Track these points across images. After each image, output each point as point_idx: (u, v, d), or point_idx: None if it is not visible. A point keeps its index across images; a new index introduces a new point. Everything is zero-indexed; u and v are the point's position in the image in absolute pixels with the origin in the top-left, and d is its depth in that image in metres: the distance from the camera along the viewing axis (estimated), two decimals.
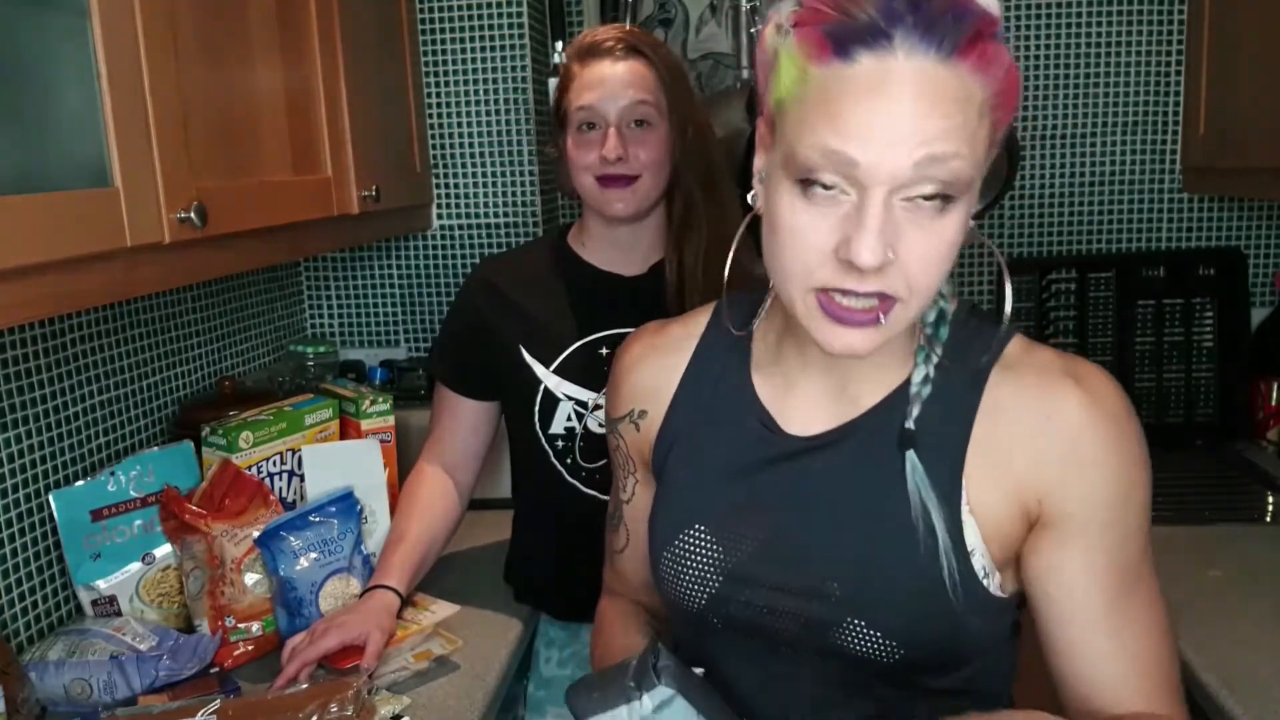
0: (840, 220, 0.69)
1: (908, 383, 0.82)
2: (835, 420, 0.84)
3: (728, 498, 0.87)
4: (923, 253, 0.70)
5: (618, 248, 1.41)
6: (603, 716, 0.78)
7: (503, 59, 1.97)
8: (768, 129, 0.76)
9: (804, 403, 0.85)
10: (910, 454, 0.78)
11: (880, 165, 0.67)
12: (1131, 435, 0.79)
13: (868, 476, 0.81)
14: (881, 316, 0.71)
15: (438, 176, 2.04)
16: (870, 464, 0.81)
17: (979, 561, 0.79)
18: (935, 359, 0.80)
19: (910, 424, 0.79)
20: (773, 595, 0.83)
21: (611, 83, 1.32)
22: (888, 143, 0.67)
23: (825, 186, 0.69)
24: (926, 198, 0.68)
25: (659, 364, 0.94)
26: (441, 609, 1.38)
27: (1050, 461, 0.78)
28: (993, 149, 0.73)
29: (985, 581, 0.80)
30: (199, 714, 1.06)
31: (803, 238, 0.71)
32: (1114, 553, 0.79)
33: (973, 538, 0.79)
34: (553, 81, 1.69)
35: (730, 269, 0.88)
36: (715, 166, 1.40)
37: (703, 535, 0.87)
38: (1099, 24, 2.11)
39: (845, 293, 0.71)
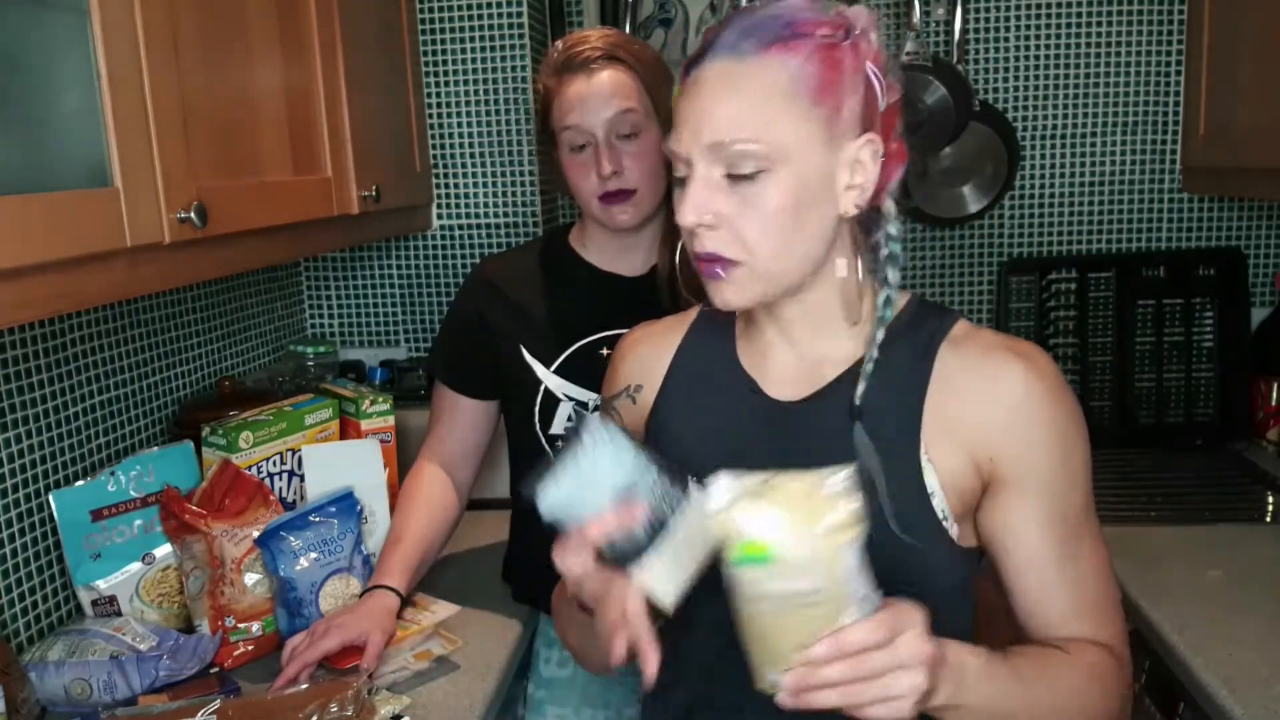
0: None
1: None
2: (808, 388, 0.95)
3: (719, 453, 0.94)
4: (748, 217, 0.85)
5: (619, 248, 1.41)
6: (554, 478, 0.83)
7: (503, 59, 1.97)
8: None
9: (778, 371, 0.97)
10: (857, 425, 0.90)
11: (686, 148, 0.86)
12: (1068, 402, 0.91)
13: (837, 436, 0.92)
14: (720, 270, 0.87)
15: (438, 176, 2.04)
16: (838, 426, 0.92)
17: (938, 504, 0.90)
18: (879, 339, 0.91)
19: (858, 400, 0.90)
20: None
21: (592, 98, 1.30)
22: (692, 130, 0.85)
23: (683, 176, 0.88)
24: (747, 175, 0.84)
25: (654, 344, 1.06)
26: (441, 609, 1.38)
27: (998, 427, 0.89)
28: (843, 125, 0.85)
29: (945, 524, 0.90)
30: (199, 714, 1.06)
31: (676, 214, 0.89)
32: (1059, 507, 0.90)
33: (932, 483, 0.90)
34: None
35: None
36: None
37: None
38: (1099, 24, 2.11)
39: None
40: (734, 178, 0.85)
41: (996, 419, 0.89)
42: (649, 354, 1.06)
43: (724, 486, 0.76)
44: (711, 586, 0.89)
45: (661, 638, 0.92)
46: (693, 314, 1.07)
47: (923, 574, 0.89)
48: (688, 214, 0.85)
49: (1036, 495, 0.90)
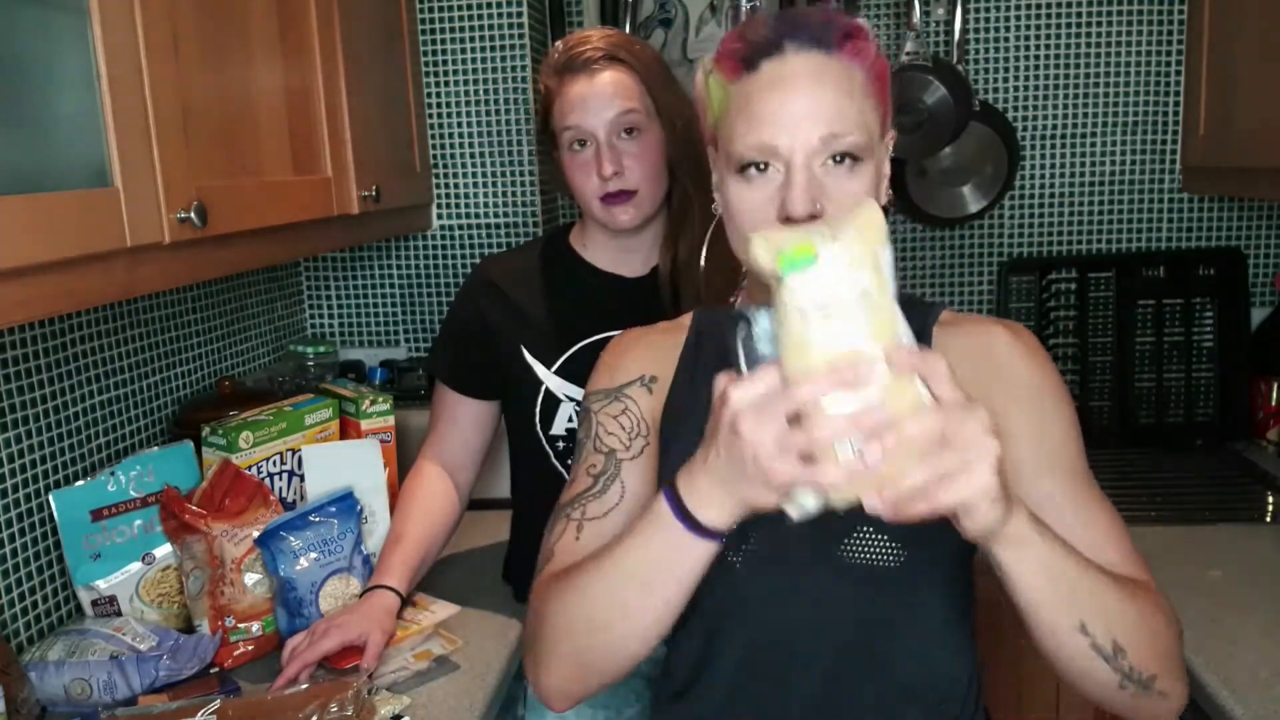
0: (775, 190, 0.88)
1: None
2: None
3: None
4: (849, 194, 0.88)
5: (620, 249, 1.41)
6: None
7: (503, 59, 1.97)
8: (713, 146, 0.96)
9: None
10: None
11: (794, 141, 0.87)
12: (1052, 365, 0.97)
13: None
14: None
15: (438, 176, 2.04)
16: None
17: None
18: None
19: None
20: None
21: (594, 98, 1.30)
22: (795, 123, 0.86)
23: (759, 169, 0.89)
24: (837, 161, 0.88)
25: (655, 345, 1.05)
26: (441, 609, 1.38)
27: (992, 388, 0.92)
28: (886, 126, 0.94)
29: None
30: (199, 714, 1.07)
31: (749, 208, 0.90)
32: (1059, 456, 0.94)
33: None
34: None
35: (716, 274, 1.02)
36: (705, 158, 1.40)
37: None
38: (1099, 24, 2.11)
39: None
40: (834, 163, 0.88)
41: (990, 382, 0.93)
42: (653, 349, 1.06)
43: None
44: (736, 607, 0.95)
45: (684, 653, 0.97)
46: (686, 319, 1.07)
47: (941, 536, 0.88)
48: (798, 204, 0.86)
49: (1036, 442, 0.92)
